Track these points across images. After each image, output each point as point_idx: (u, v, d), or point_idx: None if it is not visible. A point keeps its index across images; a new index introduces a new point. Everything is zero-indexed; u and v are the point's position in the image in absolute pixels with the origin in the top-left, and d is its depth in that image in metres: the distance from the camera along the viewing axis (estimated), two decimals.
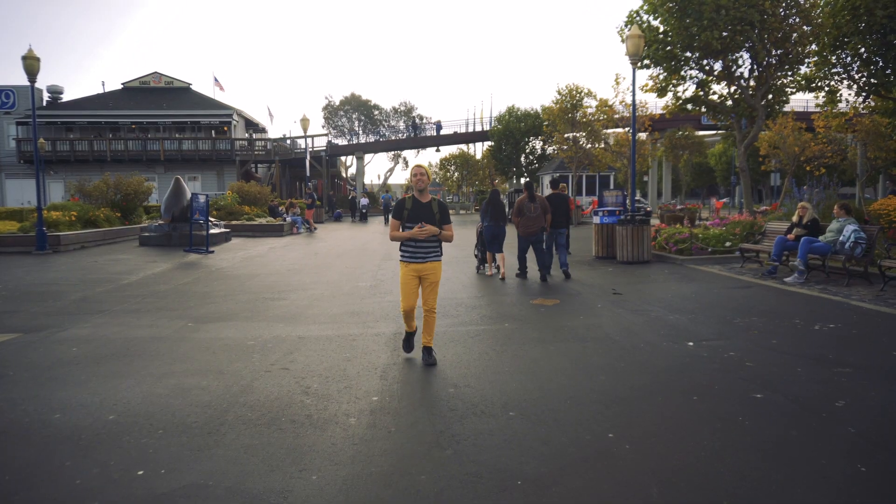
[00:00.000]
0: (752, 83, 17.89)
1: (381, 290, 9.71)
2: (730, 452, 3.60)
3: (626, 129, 28.15)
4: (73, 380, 5.12)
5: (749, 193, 19.38)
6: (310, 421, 4.16)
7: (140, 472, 3.41)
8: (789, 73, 17.73)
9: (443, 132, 48.56)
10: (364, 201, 37.71)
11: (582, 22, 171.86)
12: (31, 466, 3.52)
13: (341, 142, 56.00)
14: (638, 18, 17.79)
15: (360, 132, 63.11)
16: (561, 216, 11.40)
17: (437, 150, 50.26)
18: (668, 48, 17.37)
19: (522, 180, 44.08)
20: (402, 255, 5.43)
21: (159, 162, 40.21)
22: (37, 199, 16.11)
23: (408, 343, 5.76)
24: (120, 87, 43.78)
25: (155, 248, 16.89)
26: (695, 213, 24.41)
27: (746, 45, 16.94)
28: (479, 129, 48.39)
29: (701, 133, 40.10)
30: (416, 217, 5.28)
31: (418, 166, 5.39)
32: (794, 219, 10.80)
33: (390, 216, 5.13)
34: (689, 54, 17.51)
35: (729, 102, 18.70)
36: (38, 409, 4.43)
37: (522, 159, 42.65)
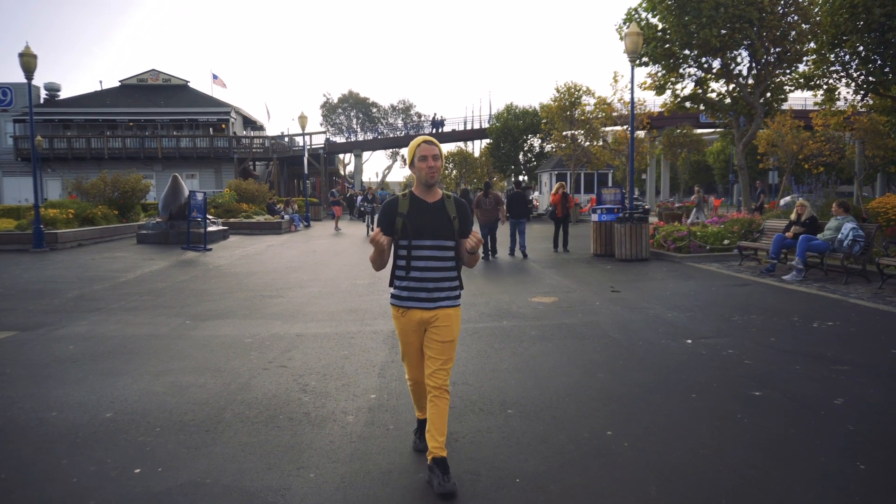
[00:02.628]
0: (750, 81, 17.90)
1: (378, 287, 9.70)
2: (728, 450, 3.59)
3: (625, 126, 28.13)
4: (70, 378, 5.10)
5: (747, 191, 19.40)
6: (308, 419, 4.15)
7: (137, 471, 3.40)
8: (788, 72, 17.73)
9: (441, 130, 48.48)
10: (360, 199, 37.68)
11: (580, 20, 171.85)
12: (27, 465, 3.51)
13: (339, 139, 55.92)
14: (637, 16, 17.78)
15: (359, 130, 63.03)
16: (520, 209, 14.32)
17: None
18: (667, 46, 17.35)
19: (521, 178, 44.12)
20: (393, 296, 3.30)
21: (157, 160, 40.15)
22: (34, 197, 16.05)
23: (421, 433, 3.62)
24: (117, 84, 43.67)
25: (152, 246, 16.86)
26: (693, 211, 24.40)
27: (745, 42, 16.94)
28: (477, 126, 48.35)
29: (699, 131, 40.09)
30: (420, 228, 3.15)
31: (427, 143, 3.19)
32: (793, 217, 10.80)
33: (375, 226, 3.47)
34: (687, 52, 17.50)
35: (727, 100, 18.70)
36: (34, 407, 4.41)
37: (521, 157, 42.61)
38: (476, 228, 3.01)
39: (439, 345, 3.23)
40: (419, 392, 3.52)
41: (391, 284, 3.31)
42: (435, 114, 60.54)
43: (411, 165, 3.24)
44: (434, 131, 48.05)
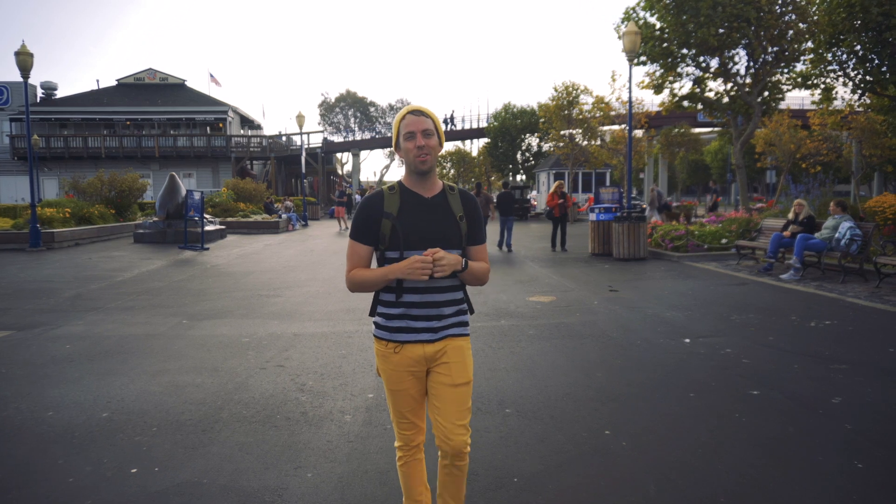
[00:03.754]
0: (748, 80, 17.91)
1: None
2: (726, 449, 3.59)
3: (623, 126, 28.16)
4: (67, 377, 5.08)
5: (745, 190, 19.42)
6: (305, 418, 4.14)
7: (134, 470, 3.39)
8: (785, 71, 17.75)
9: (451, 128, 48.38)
10: (358, 198, 37.80)
11: (579, 19, 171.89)
12: (24, 464, 3.49)
13: (337, 139, 55.84)
14: (635, 15, 17.78)
15: (356, 129, 62.97)
16: (508, 208, 15.70)
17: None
18: (665, 45, 17.37)
19: (519, 178, 44.15)
20: (377, 326, 2.42)
21: (154, 159, 40.08)
22: (30, 196, 16.01)
23: None
24: (114, 83, 43.58)
25: (149, 245, 16.83)
26: (691, 210, 24.44)
27: (743, 42, 16.95)
28: (475, 125, 48.34)
29: (697, 130, 40.12)
30: (413, 233, 2.29)
31: (414, 113, 2.31)
32: (790, 216, 10.82)
33: (349, 234, 2.42)
34: (685, 51, 17.51)
35: (725, 99, 18.72)
36: (31, 407, 4.39)
37: (519, 156, 42.64)
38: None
39: (451, 391, 2.36)
40: (414, 472, 2.51)
41: (373, 313, 2.42)
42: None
43: (397, 147, 2.37)
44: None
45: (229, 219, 23.19)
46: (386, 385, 2.44)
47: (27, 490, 3.19)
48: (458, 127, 48.39)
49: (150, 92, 42.48)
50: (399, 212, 2.31)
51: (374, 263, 2.41)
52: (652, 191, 22.47)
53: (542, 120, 33.74)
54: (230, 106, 42.23)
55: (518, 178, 44.17)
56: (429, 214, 2.33)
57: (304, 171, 30.89)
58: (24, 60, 15.10)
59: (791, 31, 16.59)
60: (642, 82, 19.05)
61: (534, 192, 41.38)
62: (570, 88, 30.77)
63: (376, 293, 2.41)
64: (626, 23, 17.60)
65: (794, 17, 16.54)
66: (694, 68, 18.28)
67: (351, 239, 2.37)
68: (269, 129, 65.14)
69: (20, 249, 15.33)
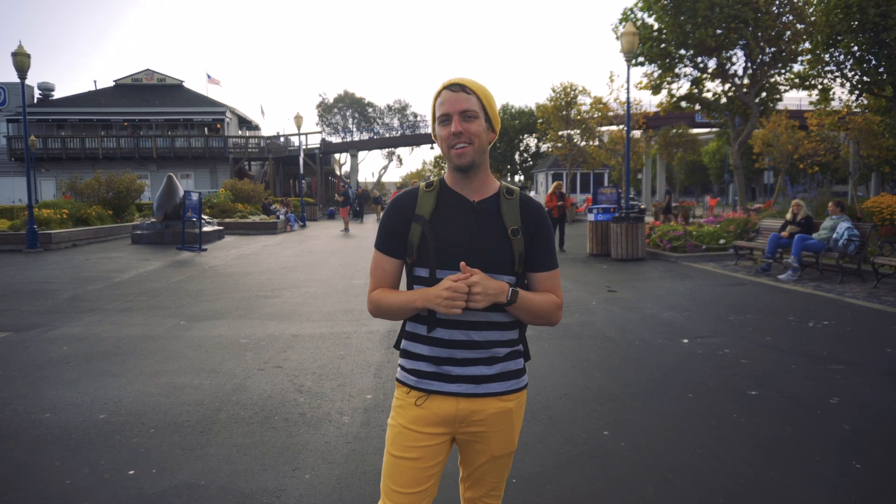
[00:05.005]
0: (745, 81, 17.97)
1: None
2: (725, 449, 3.59)
3: (621, 126, 28.19)
4: (64, 379, 5.06)
5: (743, 191, 19.47)
6: (303, 419, 4.13)
7: (131, 472, 3.38)
8: (783, 71, 17.82)
9: None
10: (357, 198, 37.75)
11: (577, 19, 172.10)
12: (20, 466, 3.48)
13: (335, 139, 55.80)
14: (633, 16, 17.83)
15: (354, 130, 62.92)
16: None
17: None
18: (663, 45, 17.42)
19: (517, 178, 44.17)
20: (401, 368, 1.85)
21: (152, 159, 40.01)
22: (27, 197, 15.98)
23: None
24: (112, 84, 43.51)
25: (147, 246, 16.80)
26: (689, 210, 24.46)
27: (740, 42, 17.02)
28: None
29: (695, 131, 40.21)
30: (450, 246, 1.72)
31: (451, 89, 1.70)
32: (788, 216, 10.83)
33: (374, 244, 1.84)
34: (683, 52, 17.57)
35: (723, 100, 18.78)
36: (27, 409, 4.38)
37: (517, 157, 42.70)
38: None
39: (489, 463, 1.84)
40: None
41: (398, 345, 1.88)
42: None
43: (435, 135, 1.79)
44: None
45: (227, 220, 23.16)
46: (388, 448, 1.80)
47: (24, 492, 3.18)
48: None
49: (147, 93, 42.42)
50: (432, 215, 1.75)
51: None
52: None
53: (540, 120, 33.77)
54: (228, 107, 42.20)
55: (516, 178, 44.19)
56: (471, 224, 1.74)
57: (302, 171, 30.86)
58: (21, 61, 15.07)
59: (788, 32, 16.66)
60: (640, 83, 19.10)
61: (532, 193, 41.46)
62: (568, 89, 30.81)
63: (403, 322, 1.85)
64: (623, 23, 17.65)
65: (791, 17, 16.61)
66: (692, 69, 18.34)
67: (375, 249, 1.84)
68: (267, 130, 65.14)
69: (17, 250, 15.30)
